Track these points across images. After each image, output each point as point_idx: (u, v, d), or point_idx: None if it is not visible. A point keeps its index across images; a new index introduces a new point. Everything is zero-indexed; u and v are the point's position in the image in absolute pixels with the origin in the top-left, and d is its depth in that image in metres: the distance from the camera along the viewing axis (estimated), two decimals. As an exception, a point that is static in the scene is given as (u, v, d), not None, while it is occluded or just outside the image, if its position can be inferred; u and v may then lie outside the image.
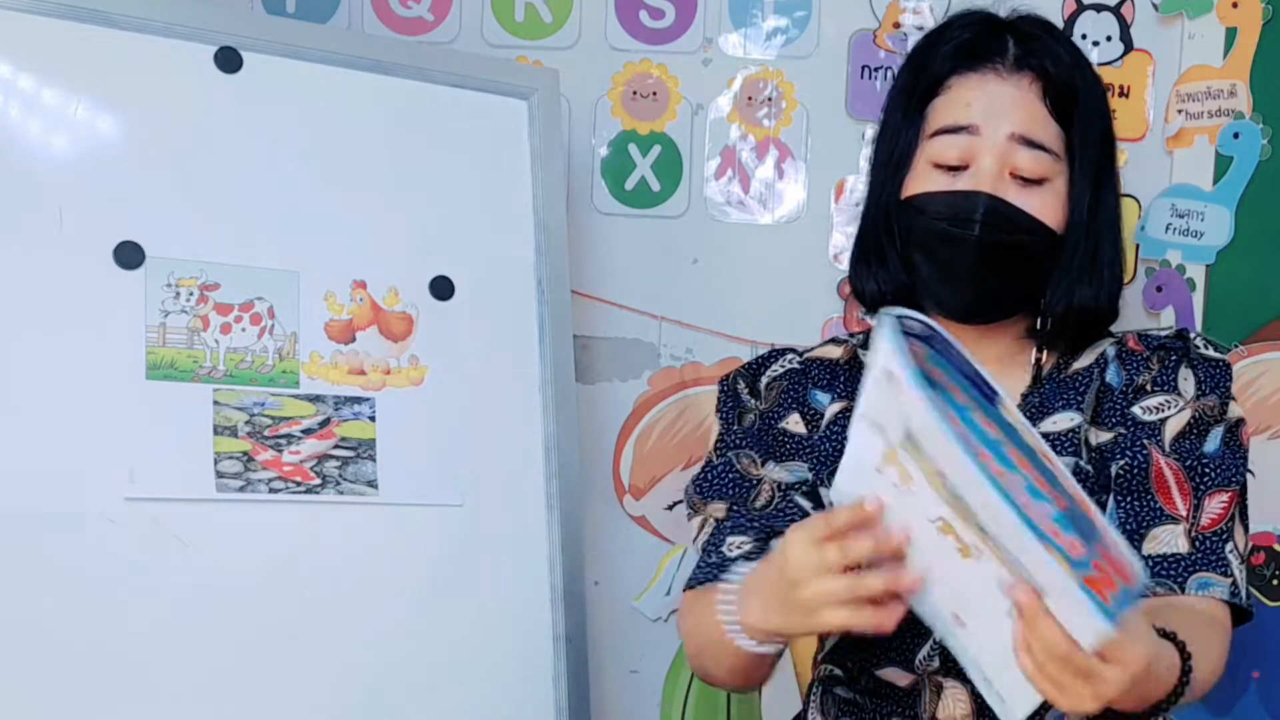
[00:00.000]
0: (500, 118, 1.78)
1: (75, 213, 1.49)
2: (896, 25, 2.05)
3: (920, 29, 2.04)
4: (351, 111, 1.67)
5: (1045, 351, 1.33)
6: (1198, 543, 1.25)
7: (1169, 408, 1.29)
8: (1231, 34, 1.95)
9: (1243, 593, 1.25)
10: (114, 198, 1.52)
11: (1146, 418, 1.29)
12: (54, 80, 1.51)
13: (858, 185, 2.06)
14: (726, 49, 2.07)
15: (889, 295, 1.34)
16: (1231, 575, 1.24)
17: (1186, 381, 1.30)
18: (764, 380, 1.40)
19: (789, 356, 1.41)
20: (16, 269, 1.46)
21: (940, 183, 1.28)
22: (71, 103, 1.52)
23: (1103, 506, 1.27)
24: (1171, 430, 1.28)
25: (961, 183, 1.27)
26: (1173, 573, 1.25)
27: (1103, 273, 1.30)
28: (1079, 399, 1.31)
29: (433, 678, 1.62)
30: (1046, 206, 1.27)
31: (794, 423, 1.38)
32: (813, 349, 1.42)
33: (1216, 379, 1.30)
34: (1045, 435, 1.29)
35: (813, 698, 1.42)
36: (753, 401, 1.39)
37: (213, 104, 1.59)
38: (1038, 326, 1.32)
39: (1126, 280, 1.42)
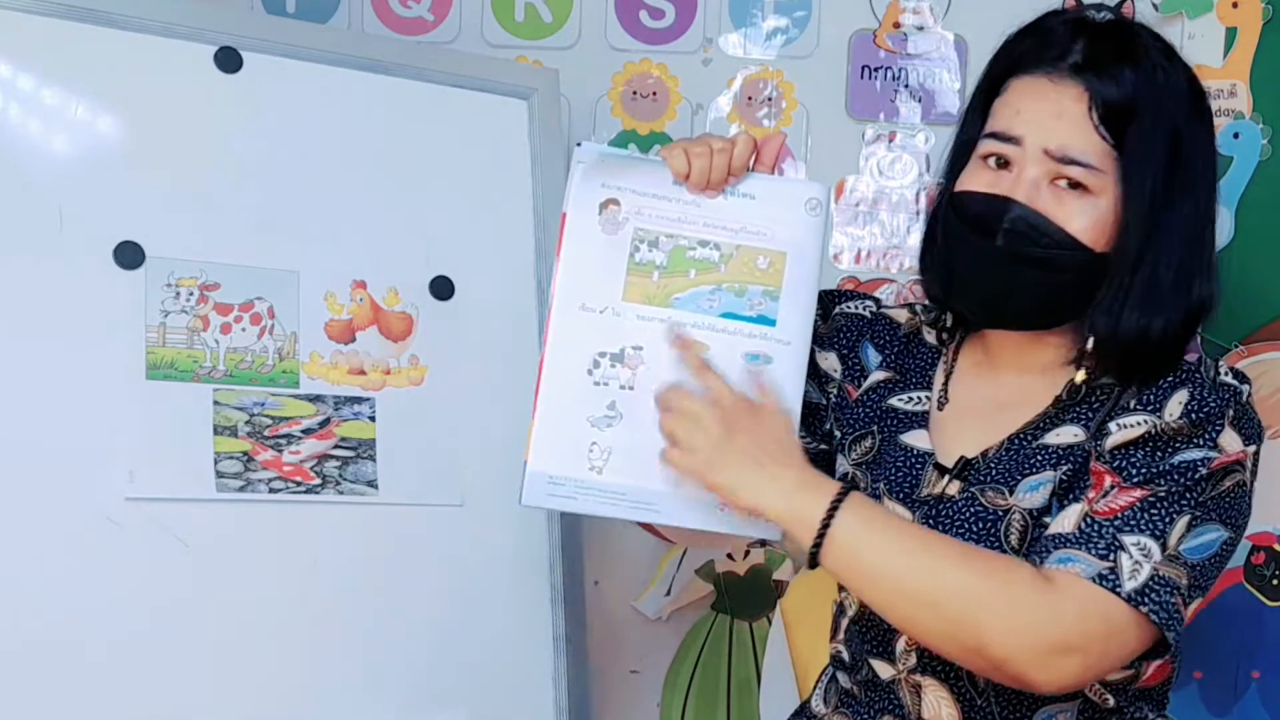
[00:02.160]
0: (500, 118, 1.78)
1: (75, 213, 1.49)
2: (896, 25, 2.05)
3: (920, 29, 2.04)
4: (351, 111, 1.67)
5: (1088, 373, 1.28)
6: (1084, 525, 1.19)
7: (1136, 426, 1.22)
8: (1231, 34, 1.95)
9: (1126, 585, 1.15)
10: (114, 198, 1.51)
11: (1112, 429, 1.23)
12: (54, 80, 1.51)
13: (858, 185, 2.06)
14: (726, 49, 2.07)
15: (935, 293, 1.36)
16: (1113, 562, 1.16)
17: (1178, 404, 1.22)
18: (836, 310, 1.45)
19: (868, 304, 1.46)
20: (16, 269, 1.46)
21: (984, 180, 1.28)
22: (71, 103, 1.52)
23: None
24: (1113, 442, 1.22)
25: (1002, 184, 1.26)
26: (1042, 549, 1.20)
27: (1161, 301, 1.23)
28: (1091, 414, 1.27)
29: (433, 678, 1.62)
30: (1084, 220, 1.24)
31: (828, 359, 1.43)
32: (890, 307, 1.46)
33: (1208, 404, 1.21)
34: (1045, 447, 1.27)
35: (820, 682, 1.44)
36: (818, 321, 1.43)
37: (213, 104, 1.59)
38: (1086, 346, 1.27)
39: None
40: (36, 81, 1.50)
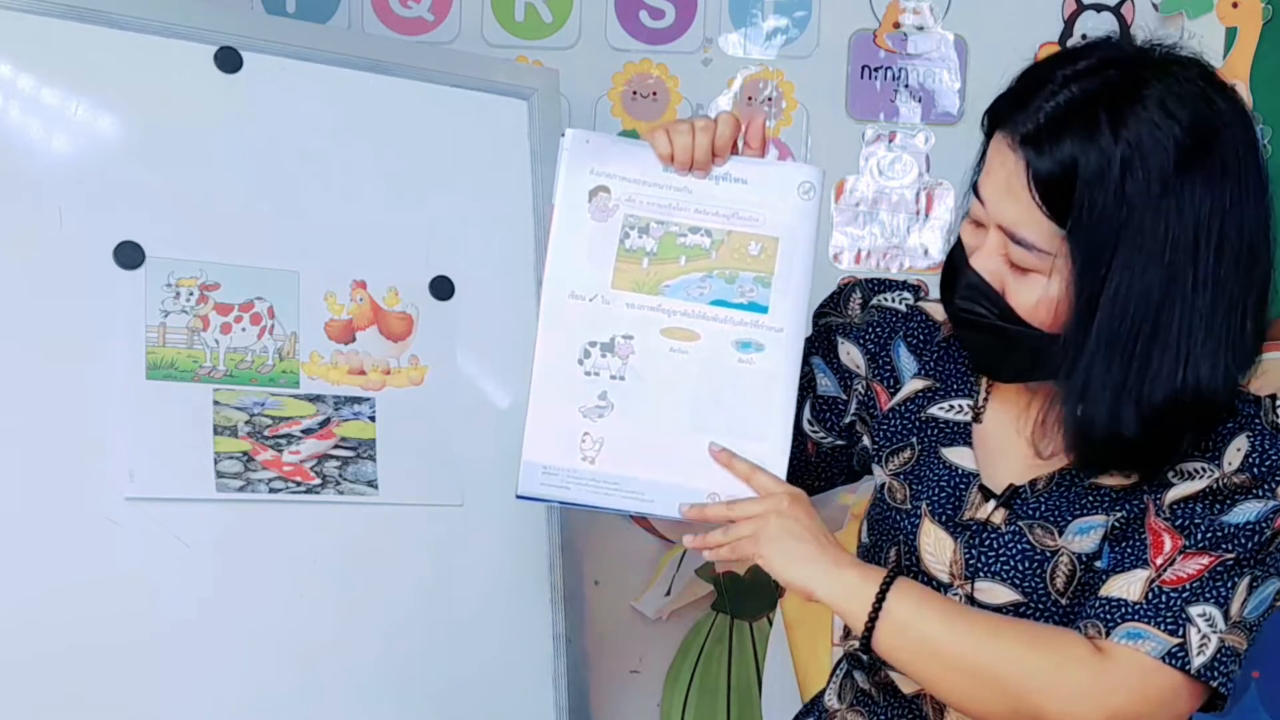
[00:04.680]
0: (500, 118, 1.78)
1: (75, 213, 1.49)
2: (896, 25, 2.05)
3: (920, 29, 2.04)
4: (351, 111, 1.67)
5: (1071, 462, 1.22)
6: (1152, 595, 1.16)
7: (1196, 476, 1.18)
8: (1231, 34, 1.95)
9: (1195, 661, 1.14)
10: (114, 198, 1.51)
11: (1171, 479, 1.20)
12: (54, 80, 1.51)
13: (858, 185, 2.06)
14: (726, 49, 2.07)
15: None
16: (1182, 638, 1.14)
17: (1237, 452, 1.17)
18: (873, 301, 1.41)
19: (904, 296, 1.41)
20: (16, 269, 1.46)
21: (968, 232, 1.24)
22: (71, 103, 1.52)
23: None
24: (1173, 497, 1.19)
25: (976, 240, 1.22)
26: (1107, 616, 1.17)
27: (1107, 394, 1.14)
28: None
29: (432, 677, 1.62)
30: (1027, 300, 1.18)
31: (851, 353, 1.40)
32: (928, 300, 1.40)
33: (1269, 456, 1.17)
34: (1098, 487, 1.23)
35: (835, 676, 1.43)
36: (857, 309, 1.41)
37: (213, 104, 1.59)
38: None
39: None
40: (36, 81, 1.50)
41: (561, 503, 1.33)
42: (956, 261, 1.25)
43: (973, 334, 1.25)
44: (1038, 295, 1.18)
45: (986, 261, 1.20)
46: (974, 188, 1.22)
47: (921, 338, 1.37)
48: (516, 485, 1.31)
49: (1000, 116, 1.19)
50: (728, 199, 1.32)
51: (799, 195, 1.32)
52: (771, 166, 1.33)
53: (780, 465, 1.31)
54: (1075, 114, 1.13)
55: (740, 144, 1.33)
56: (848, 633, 1.39)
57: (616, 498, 1.31)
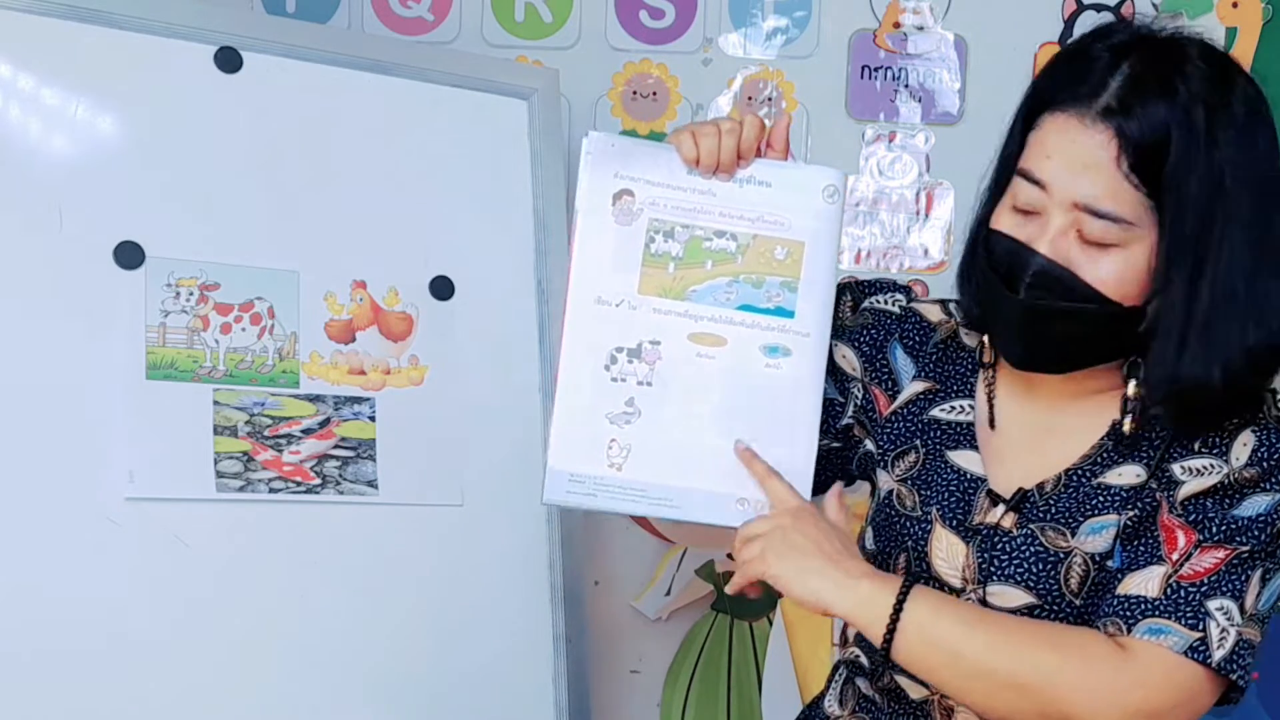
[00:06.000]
0: (500, 118, 1.78)
1: (75, 213, 1.49)
2: (896, 25, 2.05)
3: (920, 29, 2.04)
4: (351, 111, 1.67)
5: (1134, 423, 1.23)
6: (1170, 590, 1.17)
7: (1206, 473, 1.20)
8: (1231, 34, 1.95)
9: (1216, 655, 1.15)
10: (114, 198, 1.52)
11: (1180, 477, 1.21)
12: (54, 80, 1.51)
13: (858, 185, 2.06)
14: (726, 49, 2.07)
15: (970, 320, 1.32)
16: (1203, 631, 1.15)
17: (1244, 447, 1.19)
18: (865, 303, 1.40)
19: (897, 297, 1.40)
20: (16, 269, 1.46)
21: (1012, 222, 1.21)
22: (71, 103, 1.52)
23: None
24: (1185, 493, 1.20)
25: (1029, 228, 1.20)
26: (1126, 613, 1.17)
27: (1217, 349, 1.16)
28: (1151, 451, 1.24)
29: (433, 678, 1.62)
30: (1111, 275, 1.17)
31: (846, 357, 1.38)
32: (921, 301, 1.40)
33: (1277, 449, 1.18)
34: (1106, 487, 1.23)
35: (834, 682, 1.42)
36: (848, 312, 1.40)
37: (213, 104, 1.59)
38: (1130, 392, 1.23)
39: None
40: (36, 81, 1.50)
41: (588, 509, 1.31)
42: (1004, 258, 1.22)
43: (1049, 326, 1.21)
44: (1119, 267, 1.17)
45: (1059, 243, 1.18)
46: (1021, 174, 1.20)
47: (917, 339, 1.37)
48: (541, 492, 1.29)
49: (1053, 99, 1.19)
50: (752, 202, 1.31)
51: (823, 198, 1.32)
52: (796, 169, 1.33)
53: (806, 470, 1.30)
54: (1151, 81, 1.15)
55: (763, 147, 1.32)
56: (846, 639, 1.39)
57: (644, 504, 1.30)
